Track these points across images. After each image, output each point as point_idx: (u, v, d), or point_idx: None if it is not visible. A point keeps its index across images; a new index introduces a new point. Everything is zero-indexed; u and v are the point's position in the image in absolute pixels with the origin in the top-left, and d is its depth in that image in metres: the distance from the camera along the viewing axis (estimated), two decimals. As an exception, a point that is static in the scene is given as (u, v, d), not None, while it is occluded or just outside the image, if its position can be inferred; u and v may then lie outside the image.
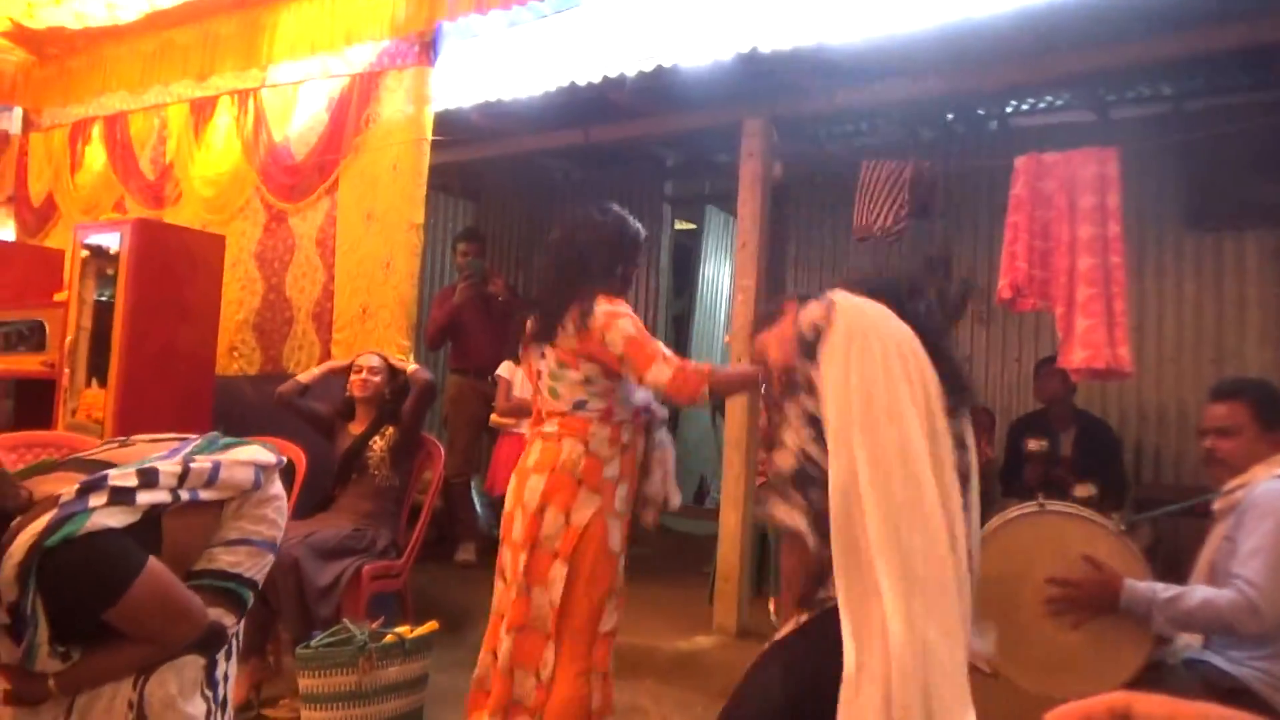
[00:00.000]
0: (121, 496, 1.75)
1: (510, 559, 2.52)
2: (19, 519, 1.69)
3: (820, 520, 1.50)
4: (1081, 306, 3.18)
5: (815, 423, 1.52)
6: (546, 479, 2.45)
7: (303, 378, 3.87)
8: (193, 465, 1.87)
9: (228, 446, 2.02)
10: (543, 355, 2.53)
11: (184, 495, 1.84)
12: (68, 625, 1.72)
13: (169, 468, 1.84)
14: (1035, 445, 4.11)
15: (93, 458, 1.94)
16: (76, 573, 1.67)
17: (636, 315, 2.46)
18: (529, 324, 2.60)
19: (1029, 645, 2.21)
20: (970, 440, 1.61)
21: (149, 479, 1.80)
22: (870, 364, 1.48)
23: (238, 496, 1.95)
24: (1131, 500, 4.27)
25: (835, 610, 1.48)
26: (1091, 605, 2.19)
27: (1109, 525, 2.32)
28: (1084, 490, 3.76)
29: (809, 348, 1.53)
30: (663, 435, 2.63)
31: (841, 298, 1.57)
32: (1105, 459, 4.20)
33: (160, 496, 1.80)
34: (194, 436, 2.05)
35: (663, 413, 2.63)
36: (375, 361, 3.84)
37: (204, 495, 1.88)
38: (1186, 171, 4.71)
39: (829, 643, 1.48)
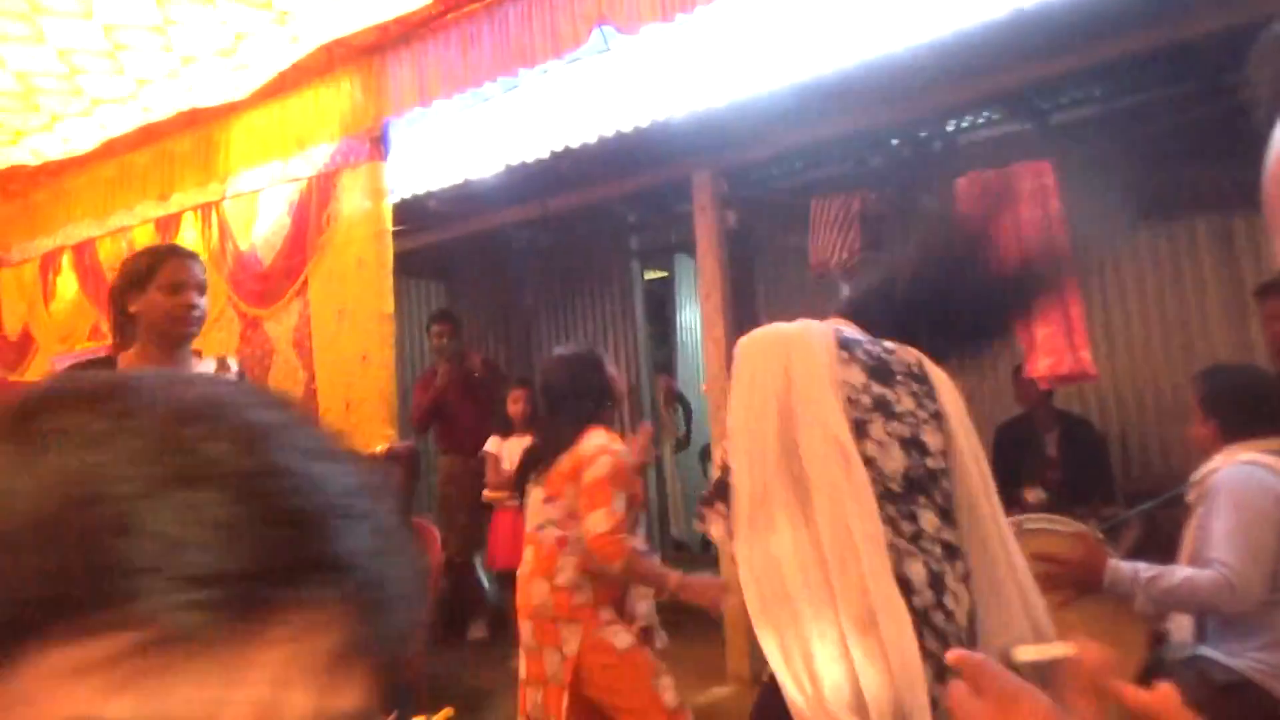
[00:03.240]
0: None
1: (531, 697, 2.63)
2: None
3: None
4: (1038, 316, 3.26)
5: None
6: (533, 626, 2.60)
7: None
8: None
9: None
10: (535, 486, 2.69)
11: None
12: None
13: None
14: (1031, 496, 3.99)
15: None
16: None
17: (625, 463, 2.55)
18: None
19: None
20: (934, 442, 1.43)
21: None
22: (739, 388, 1.46)
23: None
24: (1122, 494, 4.31)
25: None
26: (1077, 583, 2.24)
27: (1065, 528, 2.39)
28: (1033, 495, 3.78)
29: None
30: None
31: (751, 334, 1.53)
32: (1090, 457, 4.25)
33: None
34: None
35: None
36: None
37: None
38: (1131, 167, 4.83)
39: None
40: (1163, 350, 4.87)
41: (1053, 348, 3.21)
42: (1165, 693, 0.55)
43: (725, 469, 1.51)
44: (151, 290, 2.26)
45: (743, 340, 1.51)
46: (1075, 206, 3.80)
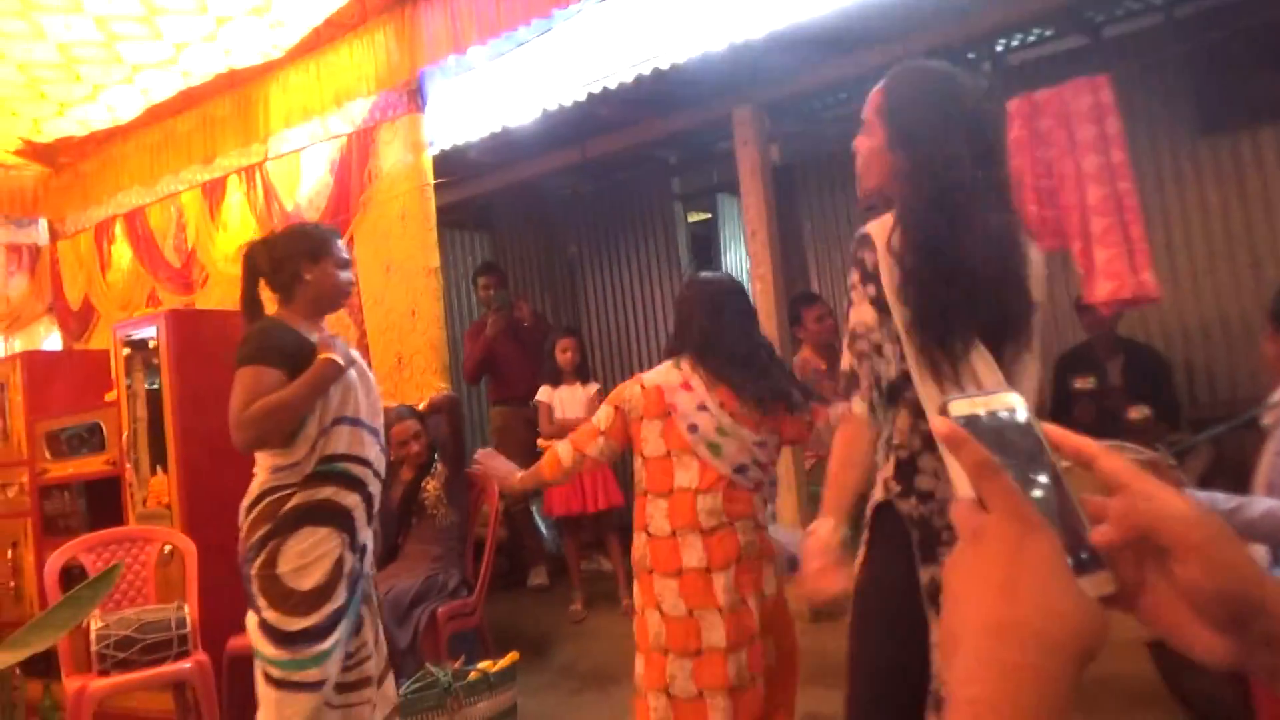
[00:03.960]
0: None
1: (712, 670, 2.41)
2: None
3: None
4: (1098, 239, 3.15)
5: None
6: (734, 574, 2.46)
7: None
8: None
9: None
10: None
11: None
12: None
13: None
14: (1081, 384, 4.06)
15: None
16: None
17: (625, 390, 2.58)
18: None
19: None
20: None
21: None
22: None
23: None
24: (1187, 421, 4.21)
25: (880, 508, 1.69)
26: None
27: (1146, 457, 2.31)
28: (1137, 413, 3.71)
29: None
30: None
31: None
32: (1155, 383, 4.14)
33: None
34: None
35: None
36: (410, 426, 3.95)
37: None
38: (1191, 78, 4.62)
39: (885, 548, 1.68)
40: (1229, 270, 4.70)
41: (1114, 271, 3.10)
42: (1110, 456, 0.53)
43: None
44: (325, 262, 2.57)
45: None
46: (1133, 122, 3.65)
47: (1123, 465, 0.51)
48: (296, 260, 2.56)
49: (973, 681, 0.45)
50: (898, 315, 1.61)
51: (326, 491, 2.46)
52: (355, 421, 2.53)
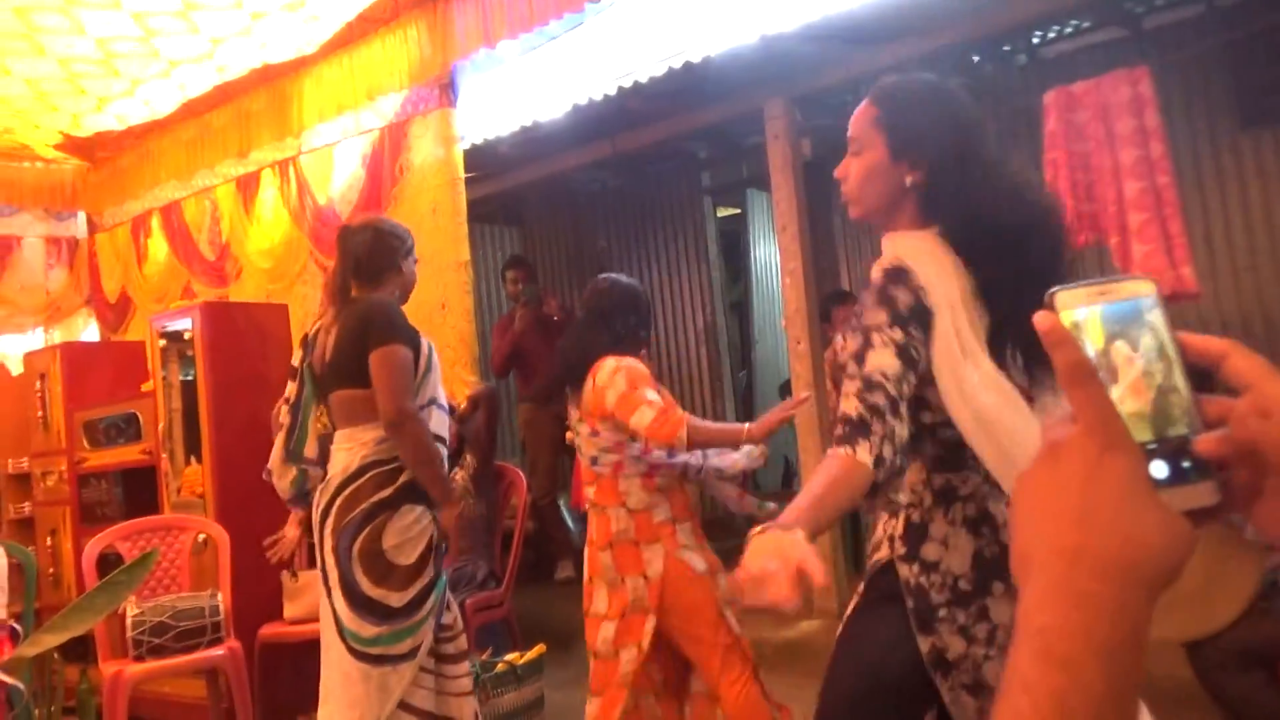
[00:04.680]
0: None
1: (593, 632, 2.62)
2: None
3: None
4: (1136, 233, 3.10)
5: None
6: (613, 554, 2.58)
7: None
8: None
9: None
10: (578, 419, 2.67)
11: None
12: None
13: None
14: None
15: None
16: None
17: (639, 368, 2.56)
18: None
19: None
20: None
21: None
22: None
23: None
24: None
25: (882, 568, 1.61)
26: None
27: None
28: None
29: None
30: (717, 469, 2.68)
31: None
32: (1195, 382, 4.06)
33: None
34: None
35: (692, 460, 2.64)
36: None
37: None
38: (1232, 71, 4.53)
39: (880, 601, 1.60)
40: (1271, 267, 4.60)
41: (1152, 265, 3.05)
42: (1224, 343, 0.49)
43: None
44: (412, 258, 2.82)
45: None
46: (1172, 116, 3.59)
47: (1255, 365, 0.48)
48: (396, 252, 2.74)
49: (1043, 609, 0.44)
50: (969, 327, 1.48)
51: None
52: (438, 404, 2.68)
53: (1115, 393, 0.46)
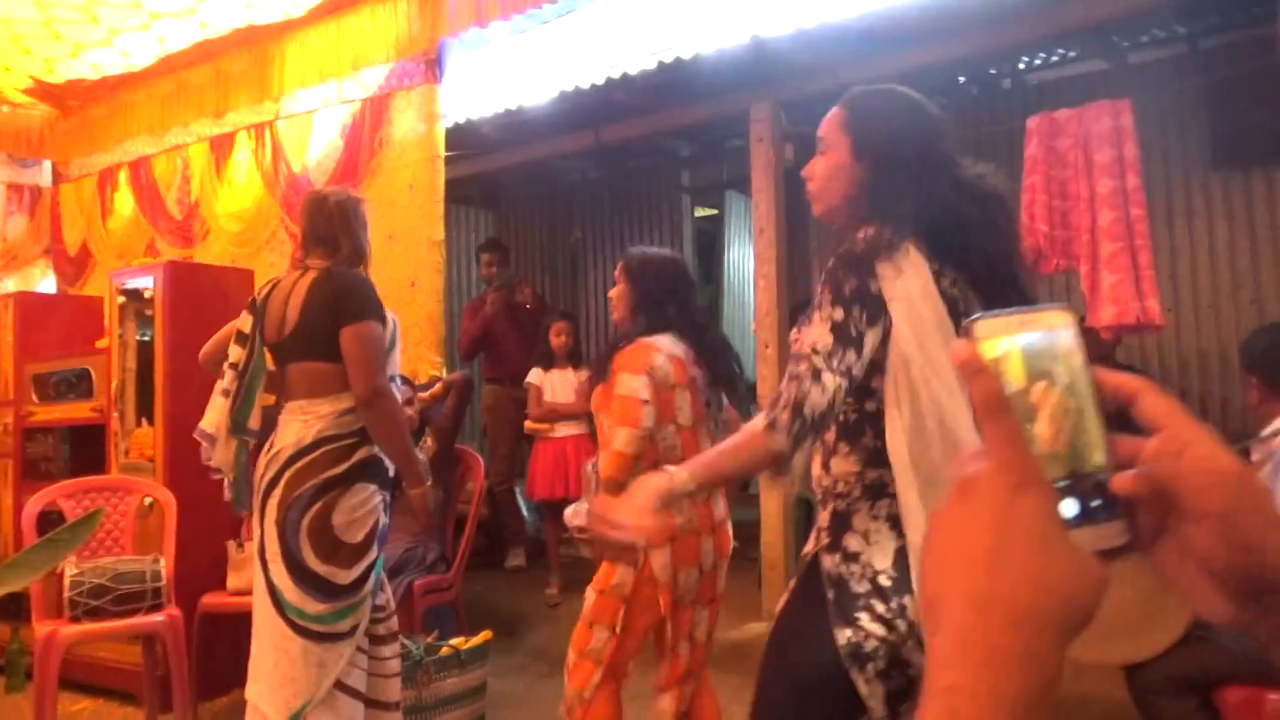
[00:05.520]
0: None
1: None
2: None
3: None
4: (1106, 262, 3.14)
5: None
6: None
7: None
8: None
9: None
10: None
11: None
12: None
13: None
14: None
15: None
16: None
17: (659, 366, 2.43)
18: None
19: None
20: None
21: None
22: None
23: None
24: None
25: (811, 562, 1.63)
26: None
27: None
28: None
29: None
30: None
31: None
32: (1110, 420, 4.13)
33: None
34: None
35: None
36: (404, 393, 3.93)
37: None
38: (1209, 111, 4.61)
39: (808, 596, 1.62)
40: (1231, 306, 4.69)
41: (1119, 296, 3.09)
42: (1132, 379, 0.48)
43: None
44: (366, 234, 2.82)
45: None
46: (1149, 151, 3.64)
47: (1166, 406, 0.47)
48: (364, 228, 2.76)
49: (952, 666, 0.42)
50: (929, 322, 1.50)
51: (378, 447, 2.56)
52: (394, 380, 2.66)
53: (1031, 428, 0.45)
